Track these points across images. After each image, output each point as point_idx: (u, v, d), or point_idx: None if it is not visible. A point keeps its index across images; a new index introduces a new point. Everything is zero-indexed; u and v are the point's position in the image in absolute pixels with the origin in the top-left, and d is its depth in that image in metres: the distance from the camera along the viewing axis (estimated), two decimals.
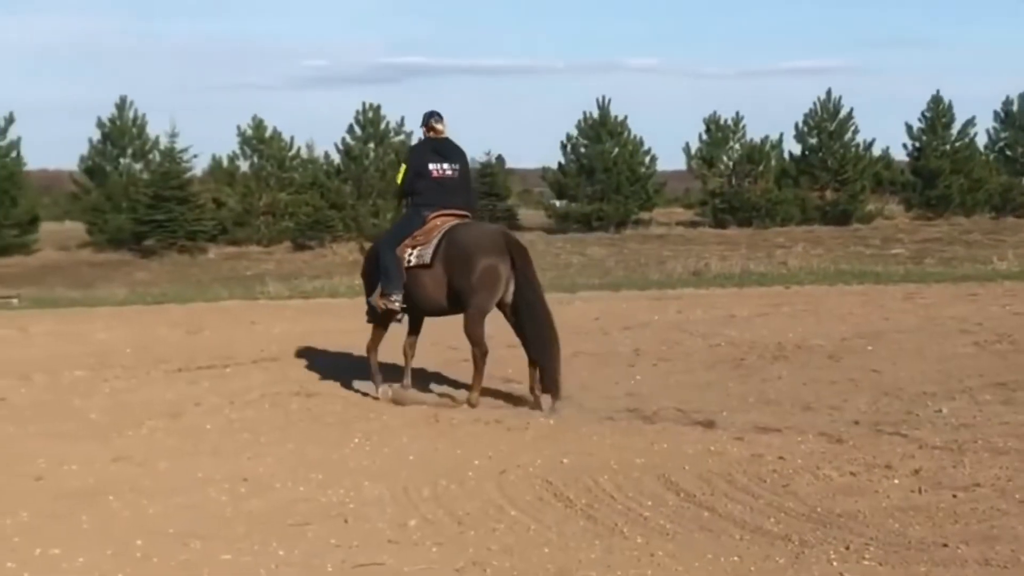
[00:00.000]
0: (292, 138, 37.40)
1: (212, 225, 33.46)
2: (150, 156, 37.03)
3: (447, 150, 11.48)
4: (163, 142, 35.85)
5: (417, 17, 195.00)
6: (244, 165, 37.69)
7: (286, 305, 20.13)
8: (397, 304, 11.13)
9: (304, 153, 38.83)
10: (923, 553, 6.25)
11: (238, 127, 37.61)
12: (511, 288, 10.78)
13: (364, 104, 36.53)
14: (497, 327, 11.21)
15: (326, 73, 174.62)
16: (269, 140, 37.05)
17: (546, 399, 10.59)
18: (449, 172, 11.33)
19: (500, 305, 10.94)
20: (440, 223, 11.08)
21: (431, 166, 11.28)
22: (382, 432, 9.72)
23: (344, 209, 34.74)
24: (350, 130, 36.71)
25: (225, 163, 39.22)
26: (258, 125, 37.05)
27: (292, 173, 37.17)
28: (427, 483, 7.96)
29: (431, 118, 11.56)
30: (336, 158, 37.26)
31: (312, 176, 37.04)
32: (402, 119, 36.76)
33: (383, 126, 36.70)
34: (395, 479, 8.10)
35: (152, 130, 37.47)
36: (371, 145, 36.69)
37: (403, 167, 11.72)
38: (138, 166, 37.19)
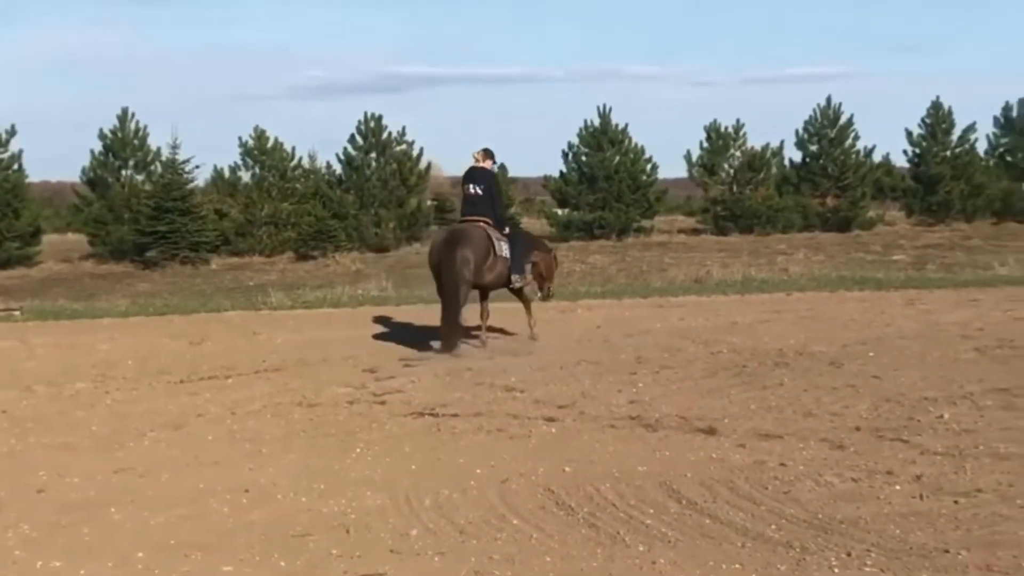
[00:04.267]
0: (294, 148, 37.41)
1: (214, 236, 33.44)
2: (152, 167, 37.03)
3: (476, 175, 15.40)
4: (165, 153, 35.83)
5: (419, 26, 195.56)
6: (246, 176, 37.68)
7: (288, 315, 20.15)
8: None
9: (306, 163, 38.87)
10: (925, 559, 6.25)
11: (239, 138, 37.67)
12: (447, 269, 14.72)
13: (366, 114, 36.59)
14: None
15: (327, 83, 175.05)
16: (271, 150, 37.04)
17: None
18: (472, 191, 15.27)
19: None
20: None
21: (465, 186, 15.50)
22: (384, 442, 9.72)
23: (346, 219, 34.74)
24: (352, 140, 36.71)
25: (227, 174, 39.23)
26: (260, 135, 37.09)
27: (294, 183, 37.16)
28: (429, 492, 7.96)
29: (478, 151, 15.64)
30: (338, 168, 37.27)
31: (314, 186, 37.04)
32: (403, 129, 36.80)
33: (385, 136, 36.67)
34: (397, 488, 8.11)
35: (154, 141, 37.51)
36: (373, 155, 36.67)
37: None
38: (140, 177, 37.18)
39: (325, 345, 15.74)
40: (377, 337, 16.55)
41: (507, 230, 15.63)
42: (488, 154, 15.62)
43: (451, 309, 14.72)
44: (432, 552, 6.70)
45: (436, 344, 14.80)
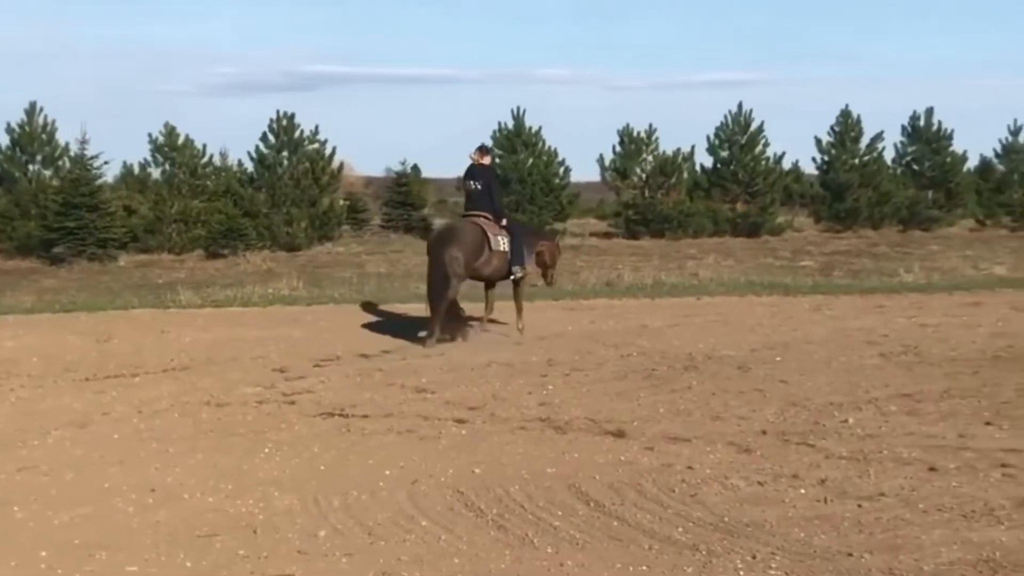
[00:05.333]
0: (205, 145, 36.89)
1: (123, 233, 32.90)
2: (60, 163, 36.40)
3: (476, 172, 16.27)
4: (73, 149, 35.22)
5: (333, 25, 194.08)
6: (156, 172, 37.10)
7: (197, 314, 19.95)
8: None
9: (217, 161, 38.42)
10: (828, 562, 6.34)
11: (149, 134, 37.07)
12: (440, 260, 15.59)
13: (278, 112, 36.18)
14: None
15: (239, 80, 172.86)
16: (181, 147, 36.54)
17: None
18: (472, 188, 16.20)
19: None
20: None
21: (466, 183, 16.47)
22: (293, 442, 9.66)
23: (258, 217, 34.40)
24: (263, 138, 36.35)
25: (136, 170, 38.68)
26: (170, 132, 36.60)
27: (205, 181, 36.68)
28: (338, 493, 7.94)
29: (474, 151, 16.28)
30: (249, 166, 36.88)
31: (225, 184, 36.62)
32: (316, 127, 36.46)
33: (297, 134, 36.36)
34: (305, 489, 8.08)
35: (62, 136, 36.82)
36: (285, 153, 36.33)
37: None
38: (47, 173, 36.56)
39: (234, 344, 15.63)
40: (287, 337, 16.44)
41: (505, 222, 16.28)
42: (484, 151, 16.50)
43: (436, 302, 15.65)
44: (340, 553, 6.68)
45: (422, 334, 15.79)
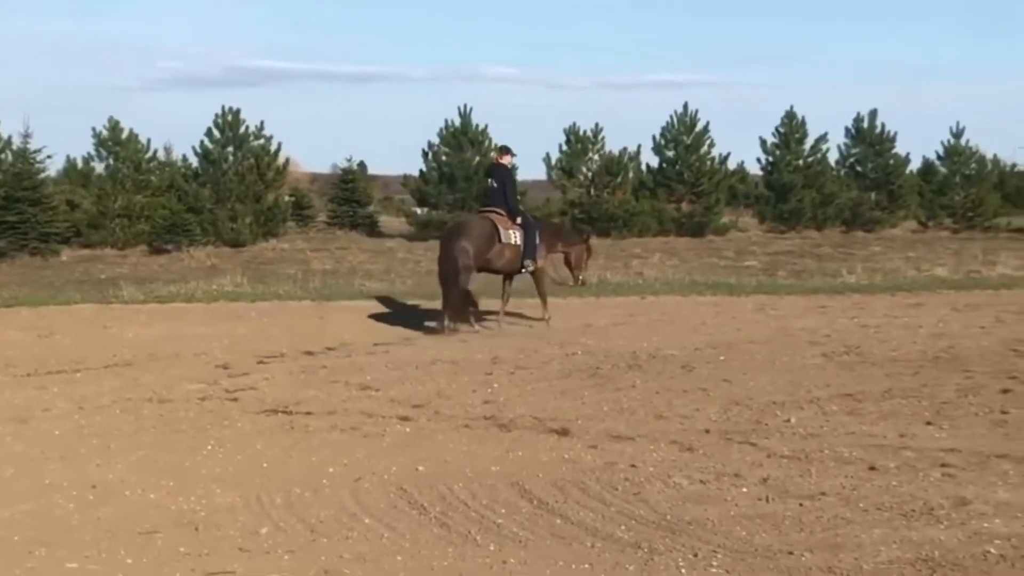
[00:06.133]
0: (149, 140, 36.48)
1: (65, 227, 32.59)
2: (2, 156, 36.00)
3: (494, 171, 17.64)
4: (16, 142, 34.84)
5: (279, 21, 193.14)
6: (99, 167, 36.73)
7: (140, 310, 19.81)
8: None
9: (161, 156, 38.17)
10: (769, 560, 6.39)
11: (93, 128, 36.65)
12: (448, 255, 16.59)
13: (223, 107, 35.93)
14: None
15: (184, 75, 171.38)
16: (125, 142, 36.17)
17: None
18: (490, 185, 17.38)
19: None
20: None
21: (486, 181, 17.94)
22: (236, 439, 9.62)
23: (202, 213, 34.12)
24: (208, 133, 36.07)
25: (80, 164, 38.39)
26: (114, 126, 36.24)
27: (149, 176, 36.37)
28: (280, 491, 7.92)
29: (495, 151, 18.50)
30: (194, 161, 36.58)
31: (169, 179, 36.33)
32: (261, 123, 36.19)
33: (242, 130, 36.11)
34: (248, 486, 8.05)
35: (5, 130, 36.41)
36: (230, 149, 36.04)
37: None
38: None
39: (177, 340, 15.54)
40: (231, 333, 16.36)
41: (519, 219, 17.14)
42: (504, 151, 17.86)
43: (449, 293, 16.59)
44: (282, 550, 6.66)
45: (432, 323, 16.83)
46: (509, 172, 17.96)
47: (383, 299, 20.81)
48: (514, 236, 16.91)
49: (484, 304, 17.32)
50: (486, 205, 17.45)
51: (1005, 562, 6.28)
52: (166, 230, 33.00)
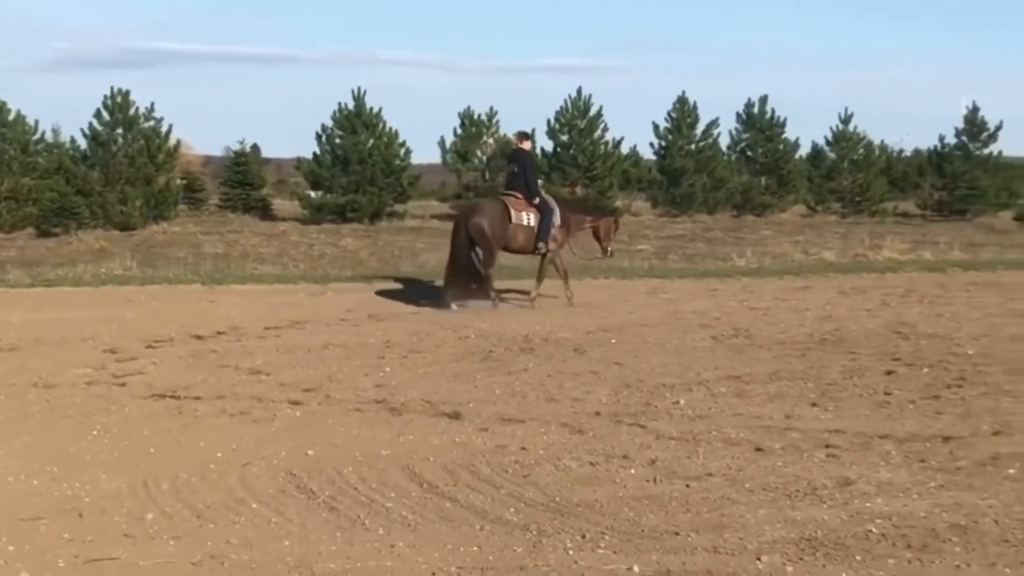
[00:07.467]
0: (37, 122, 35.96)
1: None
2: None
3: (515, 156, 18.38)
4: None
5: (172, 2, 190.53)
6: None
7: (27, 293, 19.49)
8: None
9: (49, 137, 37.59)
10: (655, 541, 6.45)
11: None
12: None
13: (113, 89, 35.47)
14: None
15: (73, 56, 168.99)
16: (12, 123, 35.54)
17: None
18: (512, 170, 18.09)
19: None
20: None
21: (509, 166, 18.66)
22: (122, 424, 9.51)
23: (91, 196, 33.63)
24: (98, 115, 35.54)
25: None
26: (0, 107, 35.65)
27: (36, 158, 35.78)
28: (167, 476, 7.84)
29: (515, 136, 19.34)
30: (83, 143, 36.03)
31: (57, 161, 35.74)
32: (152, 105, 35.76)
33: (132, 112, 35.63)
34: (134, 472, 7.96)
35: None
36: (120, 131, 35.56)
37: None
38: None
39: (64, 325, 15.28)
40: (120, 318, 16.13)
41: (537, 201, 17.72)
42: (523, 136, 18.81)
43: (458, 271, 17.39)
44: (168, 536, 6.60)
45: (455, 305, 17.28)
46: (530, 156, 18.82)
47: (278, 281, 20.68)
48: (527, 218, 17.60)
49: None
50: (507, 189, 18.12)
51: (886, 541, 6.39)
52: (54, 213, 32.50)
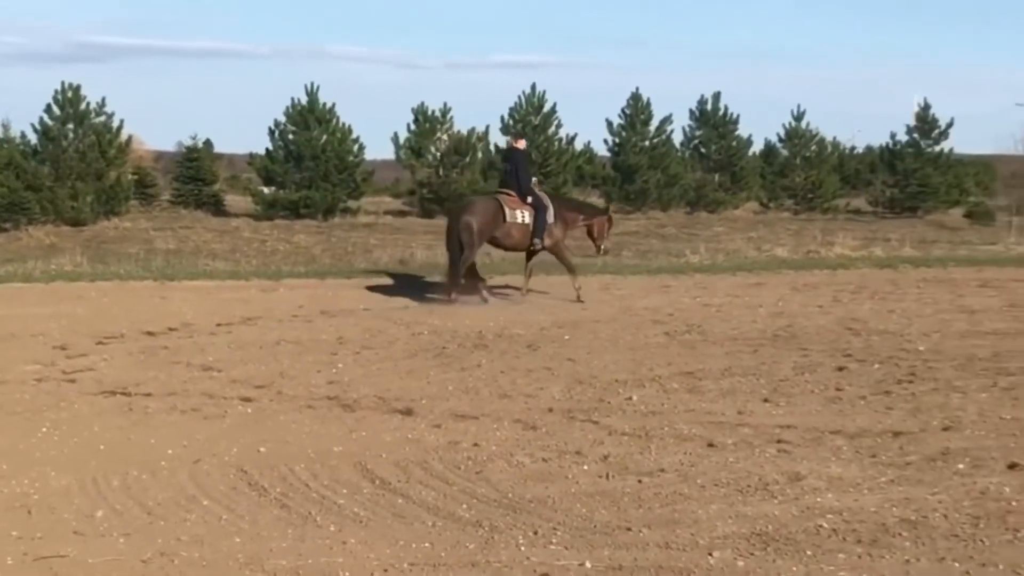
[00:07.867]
0: None
1: None
2: None
3: (509, 154, 18.77)
4: None
5: None
6: None
7: None
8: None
9: None
10: (607, 537, 6.46)
11: None
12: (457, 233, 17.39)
13: (63, 83, 35.12)
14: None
15: (23, 50, 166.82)
16: None
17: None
18: (506, 168, 18.36)
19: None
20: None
21: (503, 164, 18.95)
22: (72, 421, 9.43)
23: (41, 191, 33.34)
24: (48, 110, 35.23)
25: None
26: None
27: None
28: (117, 473, 7.79)
29: (509, 136, 20.35)
30: (33, 138, 35.70)
31: (7, 156, 35.41)
32: (103, 100, 35.48)
33: (83, 106, 35.34)
34: (84, 469, 7.90)
35: None
36: (70, 126, 35.26)
37: None
38: None
39: (14, 321, 15.14)
40: (70, 314, 15.99)
41: (530, 200, 17.74)
42: (519, 135, 20.35)
43: (452, 265, 17.53)
44: (118, 533, 6.56)
45: (439, 296, 17.60)
46: (524, 155, 18.81)
47: (230, 278, 20.58)
48: (521, 216, 17.69)
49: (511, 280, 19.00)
50: (500, 187, 18.29)
51: (837, 536, 6.43)
52: (3, 208, 32.21)
